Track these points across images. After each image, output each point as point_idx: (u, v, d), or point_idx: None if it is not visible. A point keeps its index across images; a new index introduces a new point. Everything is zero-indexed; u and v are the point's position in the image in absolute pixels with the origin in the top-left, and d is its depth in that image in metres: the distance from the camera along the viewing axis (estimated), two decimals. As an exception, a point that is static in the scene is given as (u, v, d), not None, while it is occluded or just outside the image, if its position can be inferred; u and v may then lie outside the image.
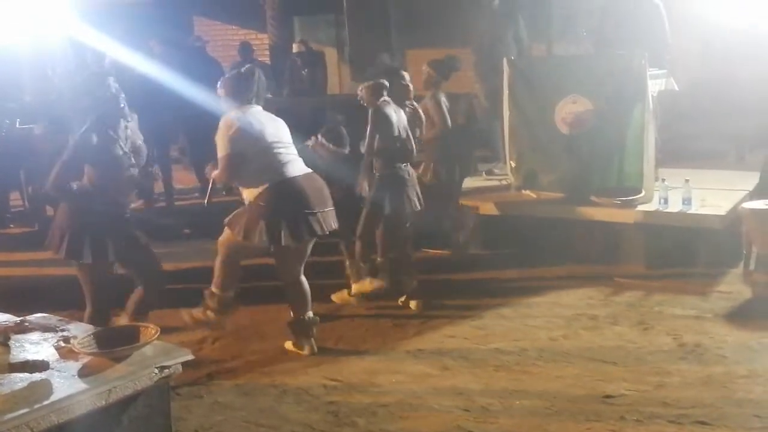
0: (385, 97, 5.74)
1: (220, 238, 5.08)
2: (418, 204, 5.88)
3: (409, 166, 5.89)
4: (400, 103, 5.93)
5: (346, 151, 5.77)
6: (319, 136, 5.67)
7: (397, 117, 5.75)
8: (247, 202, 4.97)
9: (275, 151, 4.90)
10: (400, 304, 5.92)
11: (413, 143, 5.90)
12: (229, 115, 4.91)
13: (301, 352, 5.12)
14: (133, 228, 4.72)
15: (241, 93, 4.97)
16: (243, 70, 5.10)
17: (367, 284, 5.86)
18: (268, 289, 5.52)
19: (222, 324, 5.17)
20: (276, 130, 4.99)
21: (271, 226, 4.81)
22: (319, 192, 5.00)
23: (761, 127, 8.75)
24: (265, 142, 4.87)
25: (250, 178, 4.90)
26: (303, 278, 5.17)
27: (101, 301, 4.64)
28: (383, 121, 5.66)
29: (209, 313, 5.13)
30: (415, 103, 6.19)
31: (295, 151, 5.08)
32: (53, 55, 10.10)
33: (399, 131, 5.73)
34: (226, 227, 5.03)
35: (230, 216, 5.02)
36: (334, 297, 5.93)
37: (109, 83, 4.60)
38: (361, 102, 5.78)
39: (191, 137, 9.99)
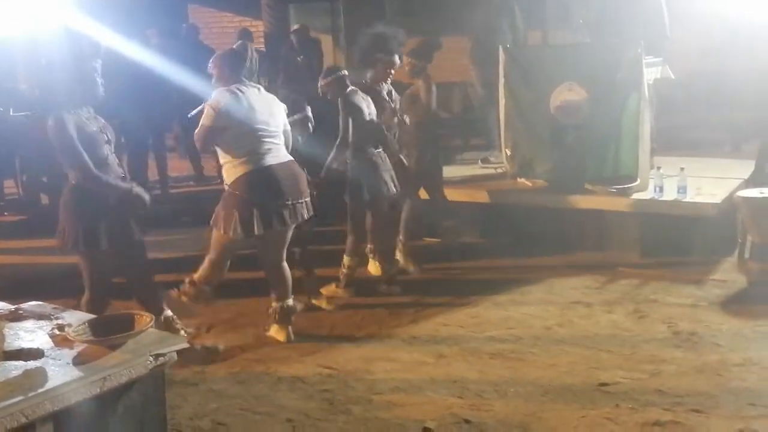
0: (351, 87, 5.83)
1: (212, 239, 5.12)
2: (393, 187, 5.95)
3: (381, 150, 5.96)
4: (378, 82, 6.08)
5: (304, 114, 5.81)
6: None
7: (367, 103, 5.87)
8: (225, 185, 5.02)
9: (258, 136, 4.91)
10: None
11: (385, 128, 6.02)
12: (223, 90, 4.90)
13: (279, 338, 5.15)
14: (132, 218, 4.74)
15: (234, 70, 4.94)
16: (235, 46, 5.10)
17: (333, 289, 5.97)
18: (262, 278, 5.50)
19: (193, 311, 5.22)
20: (266, 116, 4.97)
21: (244, 216, 4.85)
22: (293, 182, 5.01)
23: (756, 116, 8.75)
24: (249, 125, 4.88)
25: (229, 152, 4.93)
26: (284, 265, 5.20)
27: (101, 289, 4.66)
28: (354, 108, 5.77)
29: (183, 298, 5.16)
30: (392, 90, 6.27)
31: (282, 140, 5.09)
32: (48, 44, 10.05)
33: (370, 117, 5.86)
34: (213, 228, 5.08)
35: (214, 216, 5.05)
36: (323, 290, 5.92)
37: (95, 66, 4.64)
38: (327, 96, 5.88)
39: (185, 126, 9.97)
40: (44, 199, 9.14)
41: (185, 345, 3.41)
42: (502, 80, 7.36)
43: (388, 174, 5.94)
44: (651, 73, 7.00)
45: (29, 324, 3.59)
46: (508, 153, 7.45)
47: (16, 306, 3.82)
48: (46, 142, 8.60)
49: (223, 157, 5.00)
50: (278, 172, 4.94)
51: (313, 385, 4.47)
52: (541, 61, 7.30)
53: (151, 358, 3.20)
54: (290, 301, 5.18)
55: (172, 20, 11.58)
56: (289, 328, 5.18)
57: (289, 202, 4.94)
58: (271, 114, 5.02)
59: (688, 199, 6.45)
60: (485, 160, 8.33)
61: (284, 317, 5.17)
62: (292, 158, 5.12)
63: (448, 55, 11.49)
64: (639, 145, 6.65)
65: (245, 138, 4.88)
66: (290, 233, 5.16)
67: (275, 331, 5.18)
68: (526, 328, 5.17)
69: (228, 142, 4.90)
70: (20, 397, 2.79)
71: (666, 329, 5.03)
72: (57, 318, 3.65)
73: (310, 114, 5.83)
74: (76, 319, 3.60)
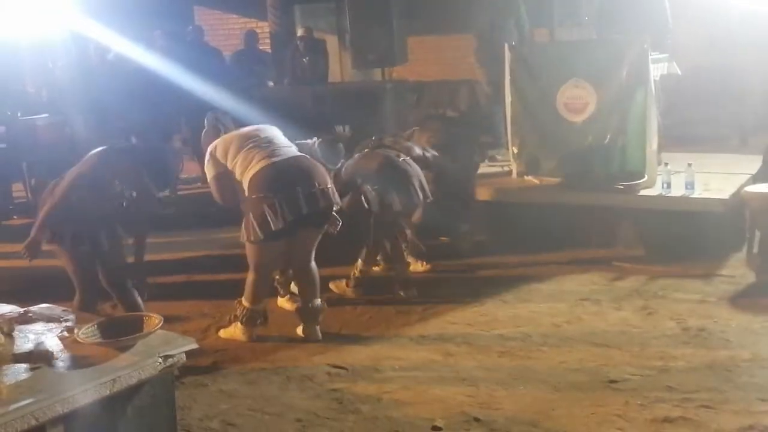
0: None
1: (247, 255, 5.12)
2: (423, 195, 5.90)
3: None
4: None
5: (337, 166, 5.80)
6: (315, 143, 5.71)
7: None
8: None
9: (254, 148, 5.00)
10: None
11: None
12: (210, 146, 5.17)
13: (304, 335, 5.16)
14: (116, 225, 4.83)
15: (216, 134, 5.25)
16: (206, 121, 5.42)
17: (343, 287, 5.99)
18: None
19: (251, 335, 5.15)
20: (253, 131, 5.16)
21: (258, 215, 4.86)
22: (303, 172, 5.00)
23: (763, 111, 8.73)
24: (241, 148, 5.01)
25: (240, 175, 5.01)
26: (313, 265, 5.20)
27: (87, 288, 4.76)
28: None
29: (238, 325, 5.16)
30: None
31: (285, 142, 5.16)
32: (54, 47, 10.10)
33: None
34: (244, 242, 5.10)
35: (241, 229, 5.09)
36: (332, 286, 5.92)
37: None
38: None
39: (193, 127, 10.00)
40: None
41: (194, 346, 3.43)
42: (508, 78, 7.36)
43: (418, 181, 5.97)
44: (657, 69, 6.99)
45: (39, 326, 3.61)
46: (515, 151, 7.44)
47: (25, 309, 3.85)
48: (54, 146, 8.70)
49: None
50: (282, 166, 4.96)
51: (322, 384, 4.47)
52: (548, 59, 7.30)
53: (160, 360, 3.22)
54: (317, 301, 5.19)
55: (178, 22, 11.61)
56: (317, 327, 5.18)
57: (300, 191, 4.88)
58: (258, 129, 5.20)
59: (695, 195, 6.44)
60: (492, 158, 8.32)
61: (311, 317, 5.17)
62: (302, 154, 5.16)
63: (454, 54, 11.57)
64: (646, 142, 6.63)
65: (243, 158, 4.98)
66: (317, 232, 5.16)
67: (301, 330, 5.19)
68: (535, 325, 5.16)
69: (236, 171, 5.03)
70: (30, 400, 2.81)
71: (675, 325, 5.02)
72: (66, 320, 3.68)
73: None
74: (85, 321, 3.62)
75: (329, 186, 5.06)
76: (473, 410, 4.06)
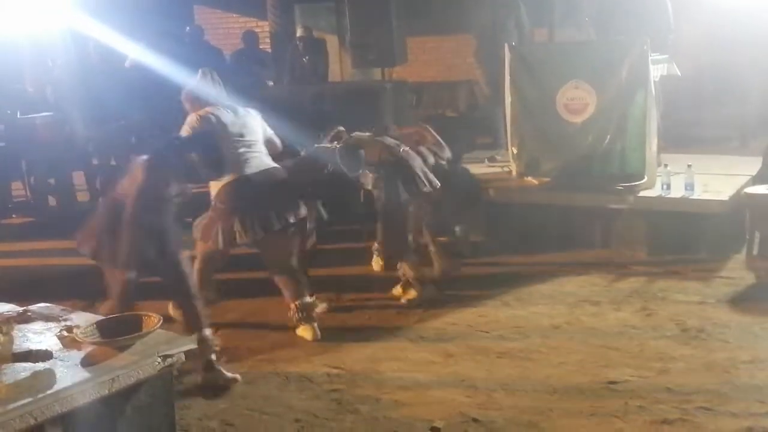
0: None
1: (197, 249, 5.15)
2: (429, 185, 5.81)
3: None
4: None
5: (357, 173, 5.74)
6: (336, 149, 5.68)
7: None
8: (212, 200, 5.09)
9: (235, 148, 5.01)
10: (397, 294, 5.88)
11: None
12: (192, 116, 5.14)
13: (306, 337, 5.14)
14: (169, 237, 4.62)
15: (200, 99, 5.20)
16: (198, 76, 5.32)
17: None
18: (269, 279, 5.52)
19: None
20: (239, 128, 5.12)
21: (226, 227, 4.91)
22: (275, 187, 5.03)
23: (764, 112, 8.72)
24: (224, 139, 4.97)
25: None
26: (291, 266, 5.20)
27: (124, 299, 4.58)
28: None
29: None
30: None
31: (261, 149, 5.17)
32: (54, 45, 10.10)
33: None
34: (196, 239, 5.13)
35: (195, 227, 5.11)
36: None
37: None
38: None
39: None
40: (52, 201, 9.18)
41: (193, 346, 3.43)
42: (508, 79, 7.35)
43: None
44: (657, 70, 6.98)
45: (38, 326, 3.62)
46: (515, 151, 7.43)
47: (24, 308, 3.85)
48: (53, 145, 8.69)
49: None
50: (258, 180, 5.00)
51: (321, 384, 4.47)
52: (548, 59, 7.28)
53: (159, 359, 3.22)
54: (306, 299, 5.18)
55: (177, 22, 11.60)
56: (315, 325, 5.16)
57: (272, 208, 4.94)
58: (244, 126, 5.17)
59: (695, 196, 6.43)
60: (492, 159, 8.31)
61: (304, 315, 5.16)
62: (275, 165, 5.18)
63: (453, 55, 11.57)
64: (646, 143, 6.62)
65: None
66: (292, 238, 5.18)
67: (302, 331, 5.17)
68: (534, 326, 5.16)
69: None
70: (29, 399, 2.81)
71: (674, 327, 5.02)
72: (65, 320, 3.68)
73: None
74: (84, 320, 3.62)
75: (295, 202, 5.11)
76: (472, 411, 4.06)
